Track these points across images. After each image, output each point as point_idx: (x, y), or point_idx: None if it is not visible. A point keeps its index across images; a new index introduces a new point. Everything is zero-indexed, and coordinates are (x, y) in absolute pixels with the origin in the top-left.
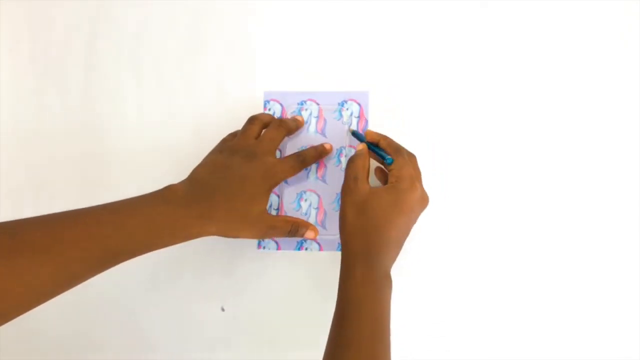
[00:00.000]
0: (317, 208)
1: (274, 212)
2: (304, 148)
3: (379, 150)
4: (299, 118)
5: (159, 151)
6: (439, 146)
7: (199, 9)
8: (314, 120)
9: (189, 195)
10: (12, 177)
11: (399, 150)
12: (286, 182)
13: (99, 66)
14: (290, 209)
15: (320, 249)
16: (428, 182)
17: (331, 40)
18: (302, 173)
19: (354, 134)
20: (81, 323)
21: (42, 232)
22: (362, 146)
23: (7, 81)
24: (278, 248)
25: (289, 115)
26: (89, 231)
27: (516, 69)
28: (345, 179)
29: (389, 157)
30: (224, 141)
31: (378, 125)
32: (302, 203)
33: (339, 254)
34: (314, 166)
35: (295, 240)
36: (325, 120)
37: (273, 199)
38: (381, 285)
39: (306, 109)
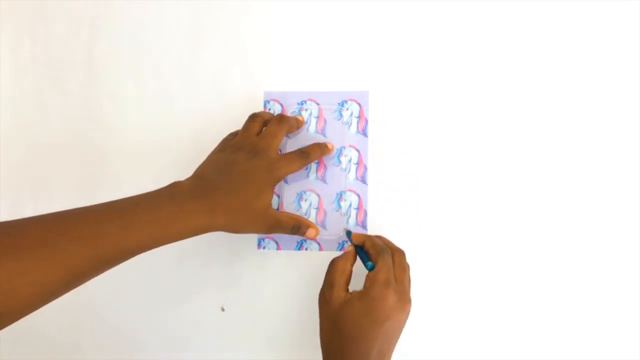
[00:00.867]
0: (317, 208)
1: None
2: None
3: (362, 253)
4: (299, 118)
5: (159, 151)
6: (439, 146)
7: (199, 9)
8: (314, 120)
9: (195, 190)
10: (12, 177)
11: (382, 250)
12: (286, 182)
13: (99, 66)
14: (290, 209)
15: (320, 249)
16: (427, 180)
17: (331, 40)
18: (302, 172)
19: (348, 235)
20: (80, 323)
21: (48, 230)
22: (349, 248)
23: (7, 81)
24: (278, 248)
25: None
26: (95, 228)
27: (516, 69)
28: (323, 286)
29: (369, 262)
30: (225, 140)
31: (378, 125)
32: (302, 203)
33: (338, 255)
34: (314, 166)
35: (295, 240)
36: (325, 120)
37: (273, 198)
38: None
39: (306, 109)
